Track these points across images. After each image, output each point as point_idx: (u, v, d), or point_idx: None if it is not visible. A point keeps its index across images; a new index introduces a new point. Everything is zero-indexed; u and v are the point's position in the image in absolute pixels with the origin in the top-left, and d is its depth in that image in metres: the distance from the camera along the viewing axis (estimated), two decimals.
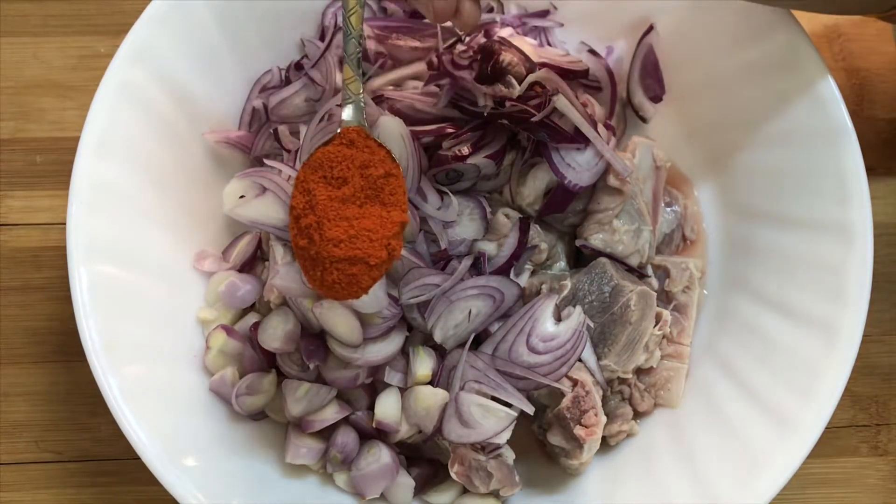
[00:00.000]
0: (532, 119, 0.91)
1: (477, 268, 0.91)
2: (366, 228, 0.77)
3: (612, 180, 0.94)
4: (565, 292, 0.92)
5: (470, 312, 0.89)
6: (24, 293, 1.05)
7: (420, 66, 0.99)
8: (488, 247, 0.93)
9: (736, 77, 1.01)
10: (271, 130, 1.00)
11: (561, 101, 0.91)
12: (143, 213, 0.92)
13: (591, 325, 0.90)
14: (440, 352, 0.91)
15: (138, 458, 0.82)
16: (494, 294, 0.89)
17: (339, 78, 1.01)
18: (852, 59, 1.19)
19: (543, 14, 1.07)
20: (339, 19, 1.02)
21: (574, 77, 1.00)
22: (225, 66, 1.01)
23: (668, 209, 1.02)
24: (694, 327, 1.00)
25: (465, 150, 0.92)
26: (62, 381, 1.02)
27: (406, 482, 0.89)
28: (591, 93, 1.04)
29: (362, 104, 0.83)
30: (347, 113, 0.83)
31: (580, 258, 1.00)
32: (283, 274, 0.87)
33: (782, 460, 0.85)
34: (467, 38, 1.01)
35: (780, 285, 0.94)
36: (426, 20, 1.03)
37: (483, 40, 0.99)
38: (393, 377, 0.90)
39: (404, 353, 0.90)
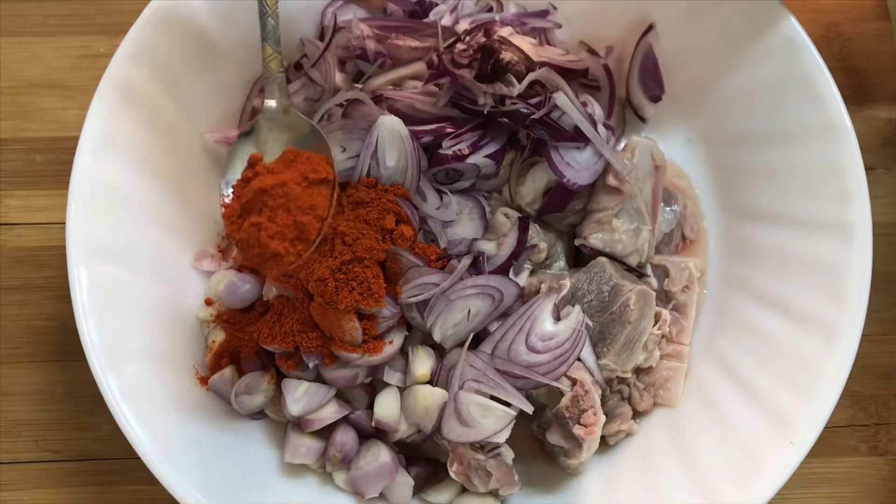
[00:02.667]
0: (532, 117, 0.91)
1: (476, 267, 0.91)
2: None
3: (611, 180, 0.94)
4: (564, 292, 0.92)
5: (469, 312, 0.89)
6: (23, 293, 1.05)
7: (420, 66, 0.99)
8: (487, 246, 0.93)
9: (735, 77, 1.01)
10: None
11: (561, 98, 0.91)
12: (143, 213, 0.92)
13: (591, 324, 0.90)
14: (439, 351, 0.91)
15: (138, 458, 0.82)
16: (493, 293, 0.89)
17: (338, 78, 1.01)
18: (852, 59, 1.19)
19: (543, 14, 1.07)
20: (339, 19, 1.02)
21: (574, 76, 1.00)
22: (225, 66, 1.01)
23: (668, 209, 1.02)
24: (693, 327, 1.00)
25: (465, 150, 0.92)
26: (62, 380, 1.02)
27: (405, 481, 0.89)
28: (590, 92, 1.04)
29: (283, 82, 0.90)
30: (271, 91, 0.90)
31: (579, 257, 1.00)
32: None
33: (782, 460, 0.85)
34: (467, 38, 1.01)
35: (779, 285, 0.94)
36: (426, 19, 1.03)
37: (483, 39, 0.99)
38: (392, 376, 0.90)
39: (403, 352, 0.91)
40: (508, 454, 0.88)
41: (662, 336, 0.96)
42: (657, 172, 1.00)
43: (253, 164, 0.85)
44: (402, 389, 0.90)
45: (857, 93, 1.17)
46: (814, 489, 1.01)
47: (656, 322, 0.94)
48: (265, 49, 0.88)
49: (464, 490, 0.91)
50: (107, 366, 0.82)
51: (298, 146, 0.88)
